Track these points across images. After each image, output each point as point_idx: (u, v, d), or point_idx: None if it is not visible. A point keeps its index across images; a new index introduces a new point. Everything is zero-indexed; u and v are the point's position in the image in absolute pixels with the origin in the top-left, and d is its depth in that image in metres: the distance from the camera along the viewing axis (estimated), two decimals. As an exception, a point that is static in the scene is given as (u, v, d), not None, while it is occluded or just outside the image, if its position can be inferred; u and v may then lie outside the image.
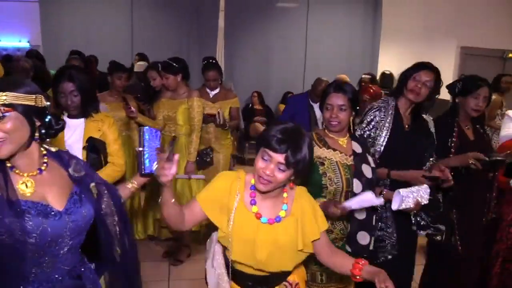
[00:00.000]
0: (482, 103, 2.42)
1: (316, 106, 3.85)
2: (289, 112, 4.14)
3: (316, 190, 1.79)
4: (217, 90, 3.52)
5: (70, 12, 6.17)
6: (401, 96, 2.25)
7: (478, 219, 2.55)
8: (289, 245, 1.48)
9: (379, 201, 1.74)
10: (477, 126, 2.59)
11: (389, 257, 2.18)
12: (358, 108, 1.96)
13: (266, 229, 1.47)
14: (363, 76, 5.47)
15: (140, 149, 1.34)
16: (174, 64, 3.11)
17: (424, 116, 2.33)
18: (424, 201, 1.99)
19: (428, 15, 6.86)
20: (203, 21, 6.30)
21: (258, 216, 1.47)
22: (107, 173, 2.10)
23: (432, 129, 2.34)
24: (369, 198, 1.71)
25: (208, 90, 3.49)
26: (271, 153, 1.37)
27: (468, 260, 2.50)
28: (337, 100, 1.87)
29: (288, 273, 1.56)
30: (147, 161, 1.35)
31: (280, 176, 1.39)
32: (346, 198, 1.84)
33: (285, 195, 1.52)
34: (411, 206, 1.93)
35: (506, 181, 2.56)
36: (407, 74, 2.22)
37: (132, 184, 1.53)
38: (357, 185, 1.86)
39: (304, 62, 6.75)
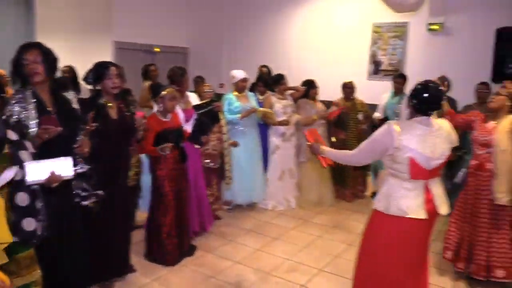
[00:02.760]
0: (116, 80, 3.02)
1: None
2: None
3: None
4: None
5: None
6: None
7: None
8: None
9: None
10: (122, 105, 3.19)
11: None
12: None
13: None
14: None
15: None
16: None
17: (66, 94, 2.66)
18: (67, 173, 2.23)
19: (82, 11, 7.23)
20: None
21: None
22: None
23: (76, 106, 2.67)
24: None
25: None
26: None
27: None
28: None
29: None
30: None
31: None
32: None
33: None
34: (43, 179, 2.12)
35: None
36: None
37: None
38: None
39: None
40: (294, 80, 5.69)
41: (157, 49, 8.21)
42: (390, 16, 6.29)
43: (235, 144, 4.80)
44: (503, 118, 3.35)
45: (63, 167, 2.22)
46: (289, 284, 3.48)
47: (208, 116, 4.30)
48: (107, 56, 7.14)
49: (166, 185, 3.60)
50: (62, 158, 2.22)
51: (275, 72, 6.43)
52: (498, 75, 5.07)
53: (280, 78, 5.29)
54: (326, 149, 2.84)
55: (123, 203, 3.25)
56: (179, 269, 3.65)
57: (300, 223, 4.85)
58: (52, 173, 2.16)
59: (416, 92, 2.49)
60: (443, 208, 2.54)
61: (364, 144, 2.61)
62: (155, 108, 3.67)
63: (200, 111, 4.21)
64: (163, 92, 3.56)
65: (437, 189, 2.55)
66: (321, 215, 5.15)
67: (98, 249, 3.00)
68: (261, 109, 5.10)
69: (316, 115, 5.39)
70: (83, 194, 2.63)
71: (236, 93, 5.05)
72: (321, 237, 4.48)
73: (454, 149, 2.69)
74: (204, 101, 4.41)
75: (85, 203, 2.66)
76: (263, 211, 5.20)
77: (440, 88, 2.50)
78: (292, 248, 4.16)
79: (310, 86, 5.48)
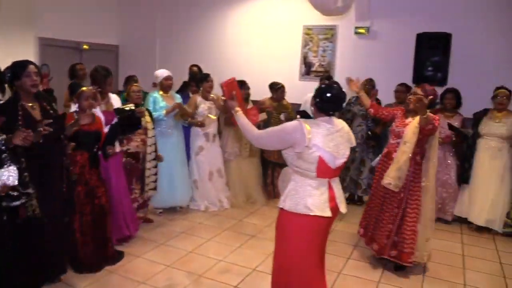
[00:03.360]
0: (35, 77, 2.90)
1: None
2: None
3: None
4: None
5: None
6: None
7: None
8: None
9: None
10: (44, 104, 3.03)
11: None
12: None
13: None
14: None
15: None
16: None
17: None
18: (11, 180, 2.18)
19: (5, 7, 6.75)
20: None
21: None
22: None
23: None
24: None
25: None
26: None
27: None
28: None
29: None
30: None
31: None
32: None
33: None
34: None
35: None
36: None
37: None
38: None
39: None
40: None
41: (85, 47, 7.86)
42: (320, 19, 6.46)
43: (160, 158, 4.65)
44: (419, 116, 3.61)
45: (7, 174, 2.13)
46: (222, 285, 3.47)
47: (129, 122, 4.04)
48: (30, 53, 6.73)
49: (77, 189, 3.42)
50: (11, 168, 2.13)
51: (207, 71, 6.42)
52: (419, 78, 5.38)
53: (205, 77, 5.24)
54: (239, 112, 2.68)
55: (56, 204, 3.08)
56: (106, 276, 3.51)
57: (234, 223, 4.86)
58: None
59: (320, 92, 2.59)
60: (343, 206, 2.67)
61: (273, 131, 2.59)
62: (73, 107, 3.53)
63: (121, 116, 3.93)
64: (79, 91, 3.43)
65: (338, 188, 2.68)
66: (254, 214, 5.20)
67: (26, 253, 2.85)
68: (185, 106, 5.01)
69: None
70: (13, 193, 2.48)
71: (161, 92, 4.95)
72: (254, 236, 4.51)
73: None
74: (126, 105, 4.18)
75: (16, 203, 2.51)
76: (196, 212, 5.16)
77: (343, 90, 2.62)
78: (225, 249, 4.16)
79: (241, 87, 5.47)
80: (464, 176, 5.06)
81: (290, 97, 6.07)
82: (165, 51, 8.09)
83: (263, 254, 4.05)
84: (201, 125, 5.12)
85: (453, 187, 5.12)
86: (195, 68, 6.37)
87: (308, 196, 2.53)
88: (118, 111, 3.99)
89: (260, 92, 6.03)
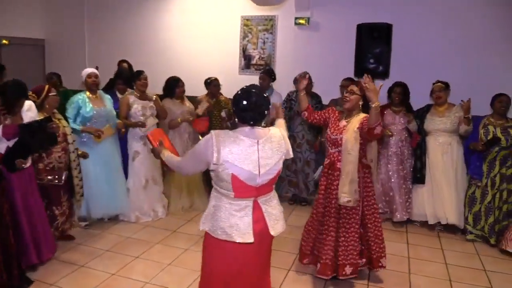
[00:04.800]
0: None
1: None
2: None
3: None
4: None
5: None
6: None
7: None
8: None
9: None
10: None
11: None
12: None
13: None
14: None
15: None
16: None
17: None
18: None
19: None
20: None
21: None
22: None
23: None
24: None
25: None
26: None
27: None
28: None
29: None
30: None
31: None
32: None
33: None
34: None
35: None
36: None
37: None
38: None
39: None
40: (163, 75, 5.23)
41: (5, 41, 7.09)
42: (259, 9, 6.10)
43: (84, 156, 4.20)
44: (354, 116, 3.31)
45: None
46: (145, 315, 3.07)
47: (40, 136, 3.36)
48: None
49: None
50: None
51: (140, 67, 5.94)
52: (360, 70, 5.13)
53: (138, 75, 4.75)
54: (166, 153, 2.48)
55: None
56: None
57: (167, 235, 4.44)
58: None
59: (235, 100, 2.20)
60: (277, 227, 2.31)
61: (188, 153, 2.34)
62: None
63: (28, 130, 3.25)
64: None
65: (270, 207, 2.31)
66: (191, 222, 4.80)
67: None
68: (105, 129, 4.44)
69: (180, 118, 5.00)
70: None
71: (88, 93, 4.42)
72: (188, 250, 4.11)
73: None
74: (36, 120, 3.43)
75: None
76: (125, 225, 4.68)
77: (264, 95, 2.21)
78: (154, 267, 3.74)
79: (175, 84, 5.06)
80: (418, 177, 4.80)
81: (231, 92, 5.64)
82: (95, 45, 7.44)
83: (196, 271, 3.65)
84: (142, 125, 4.66)
85: (407, 188, 4.91)
86: (124, 64, 5.85)
87: (227, 218, 2.18)
88: (24, 127, 3.27)
89: (198, 89, 5.65)
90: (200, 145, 2.19)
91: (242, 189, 2.16)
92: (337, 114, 3.46)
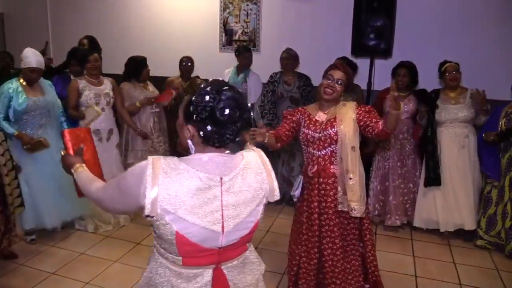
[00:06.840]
0: None
1: None
2: None
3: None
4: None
5: None
6: None
7: None
8: None
9: None
10: None
11: None
12: None
13: None
14: None
15: None
16: None
17: None
18: None
19: None
20: None
21: None
22: None
23: None
24: None
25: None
26: None
27: None
28: None
29: None
30: None
31: None
32: None
33: None
34: None
35: None
36: None
37: None
38: None
39: None
40: (133, 53, 4.49)
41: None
42: (241, -24, 5.27)
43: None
44: (336, 107, 2.72)
45: None
46: None
47: None
48: None
49: None
50: None
51: (108, 45, 5.16)
52: (358, 48, 4.36)
53: (86, 55, 3.95)
54: (80, 169, 1.64)
55: None
56: None
57: (129, 250, 3.73)
58: None
59: (198, 102, 1.34)
60: None
61: (114, 181, 1.47)
62: None
63: None
64: None
65: (242, 274, 1.49)
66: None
67: None
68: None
69: (139, 102, 4.26)
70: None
71: (22, 80, 3.62)
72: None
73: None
74: None
75: None
76: (82, 236, 3.97)
77: (242, 99, 1.36)
78: (108, 297, 3.06)
79: (143, 64, 4.32)
80: (432, 177, 3.96)
81: (210, 73, 4.88)
82: (58, 19, 6.56)
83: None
84: (80, 115, 3.92)
85: (406, 189, 4.22)
86: (84, 41, 5.00)
87: None
88: None
89: (172, 69, 4.94)
90: (131, 174, 1.37)
91: (194, 253, 1.36)
92: (306, 110, 2.80)
